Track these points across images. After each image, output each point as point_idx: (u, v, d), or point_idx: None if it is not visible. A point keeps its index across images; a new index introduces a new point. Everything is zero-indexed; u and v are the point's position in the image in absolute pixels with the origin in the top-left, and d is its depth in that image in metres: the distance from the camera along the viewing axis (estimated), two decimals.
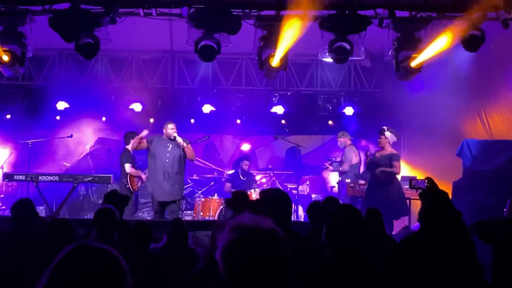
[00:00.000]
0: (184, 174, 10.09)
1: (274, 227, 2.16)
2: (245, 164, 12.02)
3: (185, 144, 9.71)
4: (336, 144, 11.79)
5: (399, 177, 9.97)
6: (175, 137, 9.67)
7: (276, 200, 4.47)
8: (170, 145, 9.74)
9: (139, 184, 10.39)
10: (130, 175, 10.15)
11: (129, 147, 10.36)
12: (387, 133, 9.74)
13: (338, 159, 11.67)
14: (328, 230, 3.37)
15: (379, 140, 9.78)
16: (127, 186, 10.14)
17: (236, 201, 6.10)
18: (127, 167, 10.19)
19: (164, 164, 9.72)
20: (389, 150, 9.78)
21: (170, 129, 9.75)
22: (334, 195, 10.79)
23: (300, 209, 11.59)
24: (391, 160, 9.67)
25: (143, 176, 10.44)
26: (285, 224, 4.20)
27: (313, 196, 12.64)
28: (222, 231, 2.18)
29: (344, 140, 11.57)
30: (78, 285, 1.95)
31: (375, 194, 9.47)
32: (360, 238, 3.33)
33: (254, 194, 10.53)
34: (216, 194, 11.36)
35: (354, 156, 11.37)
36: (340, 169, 11.31)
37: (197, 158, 11.84)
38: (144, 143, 9.83)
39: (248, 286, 2.08)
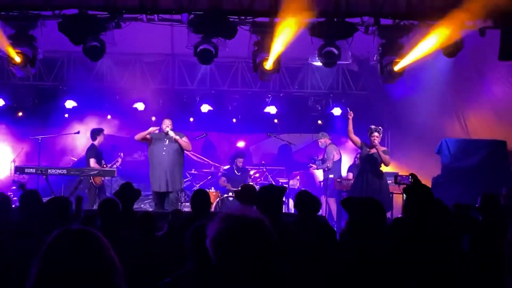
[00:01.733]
0: (183, 167, 10.11)
1: (259, 217, 2.20)
2: (239, 162, 11.98)
3: (177, 137, 9.73)
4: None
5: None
6: (167, 132, 9.72)
7: (268, 195, 4.57)
8: (167, 141, 9.80)
9: (102, 179, 10.38)
10: None
11: (95, 143, 10.51)
12: (381, 132, 9.65)
13: (320, 157, 11.74)
14: (355, 222, 3.39)
15: (376, 138, 9.49)
16: (90, 180, 10.24)
17: (244, 193, 6.12)
18: (92, 162, 10.27)
19: (161, 158, 9.76)
20: (380, 148, 9.60)
21: (164, 124, 9.85)
22: (322, 189, 11.21)
23: (291, 202, 11.52)
24: (386, 154, 9.54)
25: None
26: (275, 215, 4.34)
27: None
28: (212, 221, 2.22)
29: (324, 140, 11.71)
30: (68, 266, 1.98)
31: (367, 187, 9.36)
32: (382, 229, 3.40)
33: None
34: (213, 188, 11.36)
35: (335, 154, 11.55)
36: (327, 167, 11.40)
37: (195, 154, 12.03)
38: (148, 137, 9.91)
39: (235, 271, 2.13)
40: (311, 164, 11.76)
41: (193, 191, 11.24)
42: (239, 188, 6.61)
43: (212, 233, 2.18)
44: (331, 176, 11.22)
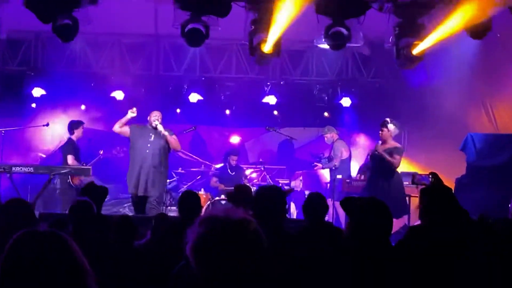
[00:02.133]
0: (167, 168, 10.13)
1: (245, 217, 2.21)
2: (233, 159, 11.96)
3: (166, 133, 9.67)
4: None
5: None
6: (155, 126, 9.64)
7: (268, 197, 4.51)
8: (153, 136, 9.72)
9: (82, 178, 10.28)
10: None
11: (73, 137, 10.50)
12: (390, 126, 9.60)
13: (326, 155, 11.77)
14: (358, 223, 3.47)
15: (381, 132, 9.59)
16: (68, 180, 10.26)
17: (238, 195, 6.16)
18: (69, 158, 10.27)
19: (144, 156, 9.69)
20: (391, 143, 9.63)
21: (153, 116, 9.74)
22: (329, 191, 11.06)
23: (293, 206, 11.60)
24: (392, 154, 9.53)
25: None
26: (277, 222, 4.40)
27: (307, 192, 12.00)
28: (192, 225, 2.25)
29: (331, 135, 11.65)
30: (31, 271, 2.04)
31: (375, 189, 9.42)
32: (389, 231, 3.49)
33: None
34: (202, 189, 11.38)
35: (343, 151, 11.53)
36: (334, 166, 11.39)
37: (182, 151, 11.89)
38: (127, 130, 9.84)
39: (220, 279, 2.14)
40: (316, 163, 11.75)
41: (180, 193, 11.38)
42: (232, 189, 6.68)
43: (192, 238, 2.19)
44: (339, 176, 11.20)
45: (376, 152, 9.55)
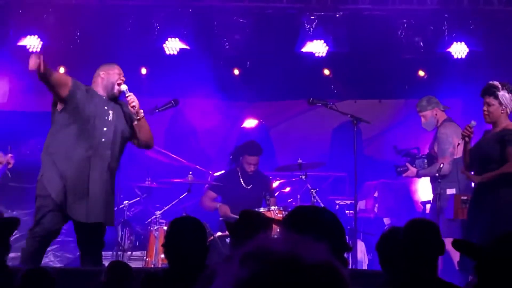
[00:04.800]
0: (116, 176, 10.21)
1: (329, 260, 2.33)
2: (250, 162, 12.27)
3: (142, 114, 9.65)
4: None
5: None
6: (120, 91, 9.63)
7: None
8: (111, 112, 9.72)
9: None
10: None
11: None
12: (504, 94, 9.58)
13: (424, 151, 11.99)
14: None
15: (487, 108, 9.59)
16: None
17: (248, 226, 6.54)
18: None
19: (98, 144, 9.55)
20: (503, 124, 9.69)
21: (117, 74, 9.74)
22: (430, 218, 10.59)
23: (361, 245, 12.06)
24: (503, 143, 9.50)
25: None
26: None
27: (386, 221, 12.99)
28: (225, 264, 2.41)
29: (431, 113, 11.79)
30: None
31: (476, 214, 9.62)
32: None
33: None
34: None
35: (457, 143, 11.25)
36: (439, 171, 11.31)
37: (155, 147, 12.36)
38: (65, 81, 9.59)
39: None
40: (407, 165, 11.71)
41: (150, 225, 10.87)
42: (237, 217, 7.16)
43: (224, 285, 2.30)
44: (450, 191, 11.18)
45: (481, 141, 9.87)
